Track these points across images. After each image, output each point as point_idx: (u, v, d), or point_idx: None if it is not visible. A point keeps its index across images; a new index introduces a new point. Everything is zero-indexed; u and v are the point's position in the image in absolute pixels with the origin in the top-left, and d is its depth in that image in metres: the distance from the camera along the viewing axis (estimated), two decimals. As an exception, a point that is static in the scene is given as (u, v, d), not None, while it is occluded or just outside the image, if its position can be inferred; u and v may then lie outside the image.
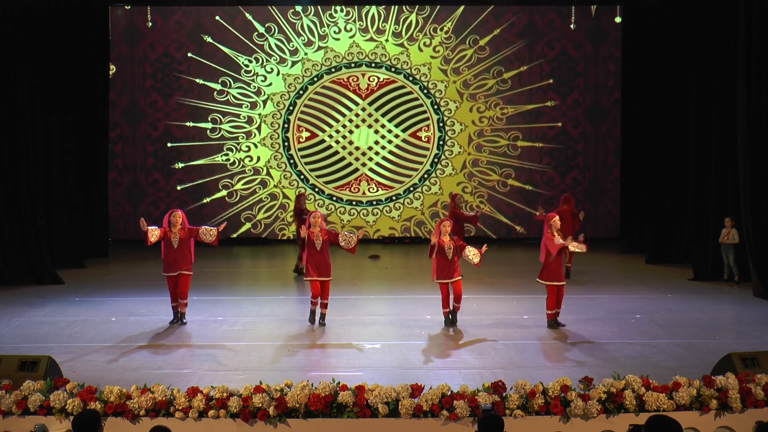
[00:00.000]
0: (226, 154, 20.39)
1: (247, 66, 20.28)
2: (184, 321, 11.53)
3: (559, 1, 19.95)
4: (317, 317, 11.38)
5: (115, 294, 13.91)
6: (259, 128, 20.41)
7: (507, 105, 20.45)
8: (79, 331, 11.15)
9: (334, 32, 20.29)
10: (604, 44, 20.42)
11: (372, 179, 20.65)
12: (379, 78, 20.48)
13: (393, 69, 20.45)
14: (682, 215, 16.78)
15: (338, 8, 20.06)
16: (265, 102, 20.39)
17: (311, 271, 11.29)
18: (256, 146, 20.43)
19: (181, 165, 20.38)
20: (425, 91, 20.53)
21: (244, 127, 20.40)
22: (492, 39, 20.31)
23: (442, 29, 20.30)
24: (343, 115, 20.57)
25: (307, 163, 20.58)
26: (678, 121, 16.93)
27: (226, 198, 20.45)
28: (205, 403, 6.71)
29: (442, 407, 6.63)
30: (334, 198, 20.56)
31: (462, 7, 20.13)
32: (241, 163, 20.41)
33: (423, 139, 20.65)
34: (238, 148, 20.41)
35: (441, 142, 20.62)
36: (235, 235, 20.43)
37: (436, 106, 20.57)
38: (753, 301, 13.11)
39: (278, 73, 20.33)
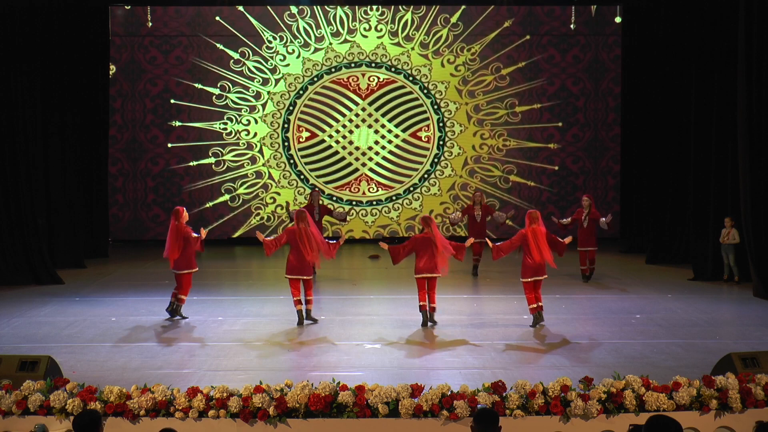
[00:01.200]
0: (225, 123, 20.28)
1: (270, 43, 20.18)
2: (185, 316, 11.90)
3: (559, 1, 19.95)
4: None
5: (115, 294, 13.91)
6: (264, 105, 20.29)
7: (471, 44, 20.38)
8: (79, 331, 11.15)
9: (364, 29, 20.22)
10: (605, 43, 20.42)
11: (372, 179, 20.65)
12: (379, 78, 20.48)
13: (393, 69, 20.45)
14: (682, 215, 16.78)
15: (371, 8, 20.05)
16: (277, 81, 20.30)
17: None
18: (256, 122, 20.39)
19: (177, 123, 20.39)
20: (425, 91, 20.53)
21: (251, 101, 20.31)
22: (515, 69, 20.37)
23: (469, 50, 20.30)
24: (343, 115, 20.57)
25: (307, 163, 20.58)
26: (678, 121, 16.94)
27: (228, 202, 20.45)
28: (205, 403, 6.70)
29: (442, 407, 6.63)
30: (334, 198, 20.56)
31: (493, 34, 20.10)
32: (238, 134, 20.34)
33: (423, 139, 20.65)
34: (239, 119, 20.35)
35: (441, 142, 20.62)
36: (236, 235, 20.45)
37: (436, 106, 20.57)
38: (753, 301, 13.11)
39: (299, 56, 20.24)
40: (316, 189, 17.35)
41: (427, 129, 20.64)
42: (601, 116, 20.61)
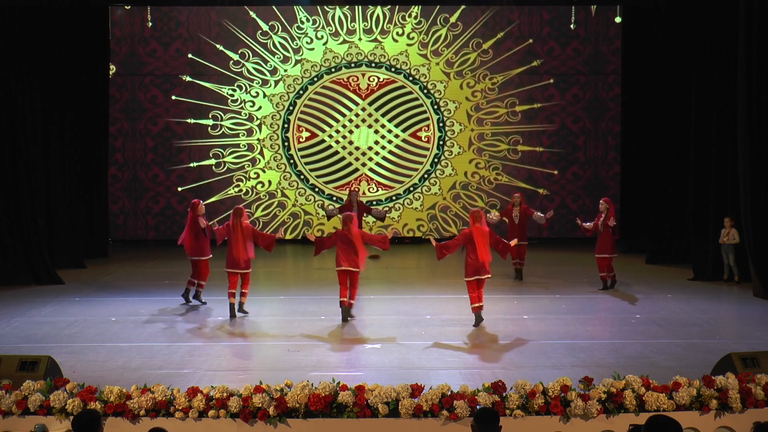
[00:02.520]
0: (237, 185, 20.42)
1: (232, 95, 20.27)
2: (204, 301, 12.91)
3: (559, 1, 19.95)
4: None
5: (115, 294, 13.91)
6: (261, 153, 20.38)
7: (495, 74, 20.39)
8: (79, 331, 11.15)
9: (306, 42, 20.18)
10: (605, 43, 20.43)
11: (372, 179, 20.65)
12: (379, 78, 20.48)
13: (393, 69, 20.46)
14: (682, 215, 16.78)
15: (304, 18, 19.99)
16: (260, 126, 20.36)
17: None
18: (264, 171, 20.41)
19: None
20: (425, 91, 20.53)
21: (248, 155, 20.40)
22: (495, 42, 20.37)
23: (410, 15, 20.23)
24: (343, 115, 20.57)
25: (307, 163, 20.58)
26: (678, 121, 16.94)
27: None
28: (205, 403, 6.70)
29: (442, 407, 6.63)
30: (334, 198, 20.55)
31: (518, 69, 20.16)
32: (254, 190, 20.41)
33: (423, 139, 20.65)
34: (247, 177, 20.42)
35: (441, 142, 20.62)
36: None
37: (436, 106, 20.57)
38: (753, 301, 13.11)
39: (264, 96, 20.30)
40: (354, 188, 17.13)
41: (427, 129, 20.64)
42: (602, 113, 20.60)
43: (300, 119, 20.53)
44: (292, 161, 20.54)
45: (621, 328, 11.21)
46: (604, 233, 13.87)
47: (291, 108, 20.49)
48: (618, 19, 19.92)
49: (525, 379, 6.90)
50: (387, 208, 19.32)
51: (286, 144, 20.53)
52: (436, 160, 20.65)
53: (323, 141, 20.59)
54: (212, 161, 20.41)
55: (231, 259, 12.03)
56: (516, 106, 20.49)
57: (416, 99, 20.55)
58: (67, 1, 16.98)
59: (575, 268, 15.78)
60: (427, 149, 20.66)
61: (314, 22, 20.21)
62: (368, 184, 20.63)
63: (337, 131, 20.60)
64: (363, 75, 20.47)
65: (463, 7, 20.12)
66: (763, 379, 7.00)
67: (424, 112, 20.59)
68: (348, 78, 20.47)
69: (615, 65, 20.37)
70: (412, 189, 20.69)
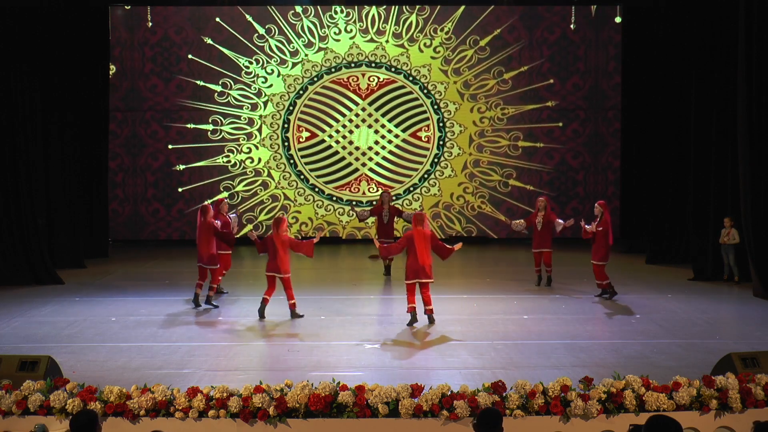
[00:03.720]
0: (227, 156, 20.40)
1: (247, 67, 20.28)
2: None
3: (559, 1, 19.95)
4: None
5: (115, 294, 13.91)
6: (259, 129, 20.40)
7: (507, 105, 20.46)
8: (79, 331, 11.15)
9: (334, 33, 20.29)
10: (604, 42, 20.43)
11: (372, 179, 20.65)
12: (379, 78, 20.48)
13: (393, 69, 20.46)
14: (682, 215, 16.78)
15: (338, 9, 20.05)
16: (265, 103, 20.39)
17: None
18: (256, 147, 20.44)
19: (181, 167, 20.39)
20: (425, 91, 20.53)
21: (245, 129, 20.41)
22: (492, 40, 20.34)
23: (442, 30, 20.30)
24: (343, 115, 20.57)
25: (307, 163, 20.58)
26: (678, 121, 16.94)
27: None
28: (205, 403, 6.70)
29: (442, 407, 6.63)
30: (334, 198, 20.56)
31: (462, 8, 20.15)
32: (242, 164, 20.42)
33: (423, 139, 20.65)
34: (239, 149, 20.42)
35: (441, 142, 20.62)
36: (237, 236, 20.42)
37: (436, 106, 20.57)
38: (753, 301, 13.11)
39: (278, 75, 20.34)
40: (387, 190, 16.89)
41: (427, 129, 20.64)
42: (602, 114, 20.59)
43: (300, 119, 20.53)
44: (292, 161, 20.53)
45: (621, 328, 11.21)
46: (598, 237, 13.08)
47: (291, 108, 20.49)
48: (618, 19, 19.91)
49: (525, 379, 6.90)
50: (420, 208, 19.20)
51: (286, 144, 20.53)
52: (436, 160, 20.65)
53: (323, 141, 20.59)
54: (209, 126, 20.37)
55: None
56: (519, 141, 20.52)
57: (416, 99, 20.55)
58: (67, 1, 16.98)
59: (576, 268, 15.78)
60: (427, 149, 20.66)
61: (348, 14, 20.19)
62: (368, 184, 20.63)
63: (337, 131, 20.59)
64: (363, 75, 20.47)
65: (497, 31, 20.10)
66: (763, 379, 7.00)
67: (424, 112, 20.59)
68: (348, 78, 20.47)
69: (614, 66, 20.39)
70: (412, 189, 20.68)
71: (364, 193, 20.54)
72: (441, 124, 20.61)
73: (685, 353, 9.81)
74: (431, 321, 11.49)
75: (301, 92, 20.45)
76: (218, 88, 20.32)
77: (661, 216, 17.50)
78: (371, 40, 20.31)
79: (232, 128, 20.41)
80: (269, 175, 20.50)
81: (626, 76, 19.92)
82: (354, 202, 17.30)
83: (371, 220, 17.51)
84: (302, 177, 20.56)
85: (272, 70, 20.34)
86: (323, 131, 20.58)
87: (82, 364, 9.33)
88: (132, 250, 19.65)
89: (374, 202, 18.38)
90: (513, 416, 6.63)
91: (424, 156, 20.67)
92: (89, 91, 18.15)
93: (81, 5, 17.56)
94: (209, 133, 20.41)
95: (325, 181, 20.62)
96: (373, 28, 20.31)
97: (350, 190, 20.62)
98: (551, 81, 20.35)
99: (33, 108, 15.63)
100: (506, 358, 9.70)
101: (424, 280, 11.43)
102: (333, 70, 20.43)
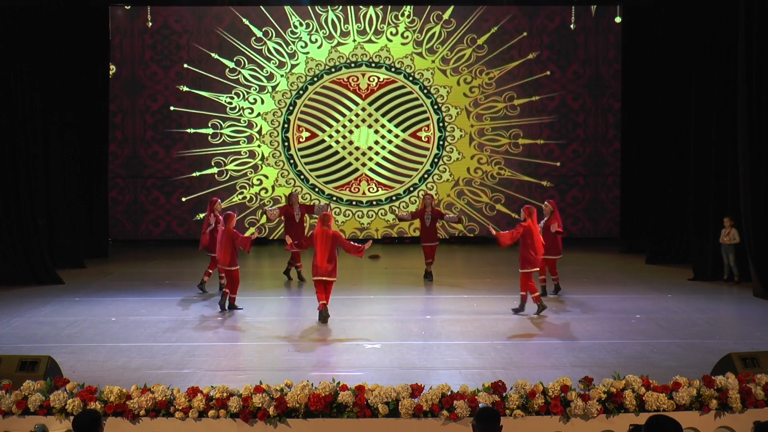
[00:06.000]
0: (242, 193, 20.42)
1: (230, 103, 20.27)
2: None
3: (559, 1, 19.94)
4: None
5: (115, 294, 13.91)
6: (263, 159, 20.41)
7: (492, 69, 20.40)
8: (79, 331, 11.15)
9: (391, 33, 20.25)
10: (605, 42, 20.43)
11: (372, 179, 20.65)
12: (379, 78, 20.48)
13: (393, 69, 20.45)
14: (682, 215, 16.77)
15: (333, 12, 20.04)
16: (260, 132, 20.38)
17: None
18: (266, 177, 20.44)
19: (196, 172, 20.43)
20: (425, 91, 20.53)
21: (249, 162, 20.42)
22: (490, 37, 20.36)
23: (488, 74, 20.35)
24: (343, 115, 20.57)
25: (307, 163, 20.58)
26: (678, 121, 16.94)
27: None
28: (205, 403, 6.70)
29: (442, 407, 6.63)
30: (334, 198, 20.56)
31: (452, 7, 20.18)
32: (258, 196, 20.43)
33: (423, 139, 20.65)
34: (250, 183, 20.42)
35: (441, 142, 20.62)
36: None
37: (436, 106, 20.57)
38: (753, 301, 13.11)
39: (262, 102, 20.30)
40: (429, 193, 16.55)
41: (427, 129, 20.64)
42: (602, 113, 20.60)
43: (300, 119, 20.53)
44: (292, 161, 20.53)
45: (621, 328, 11.21)
46: (546, 234, 12.86)
47: (291, 108, 20.49)
48: (618, 19, 19.91)
49: (525, 379, 6.90)
50: (457, 213, 19.00)
51: (286, 144, 20.53)
52: (436, 160, 20.65)
53: (323, 141, 20.59)
54: (214, 170, 20.39)
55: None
56: (515, 100, 20.48)
57: (416, 99, 20.55)
58: (67, 1, 16.98)
59: (575, 268, 15.78)
60: (427, 149, 20.66)
61: (307, 25, 20.19)
62: (368, 184, 20.63)
63: (337, 131, 20.59)
64: (363, 75, 20.47)
65: (452, 7, 20.13)
66: (763, 379, 7.00)
67: (424, 112, 20.59)
68: (348, 78, 20.47)
69: (615, 69, 20.40)
70: (412, 189, 20.68)
71: (364, 193, 20.54)
72: (441, 124, 20.60)
73: (685, 353, 9.81)
74: (325, 316, 11.51)
75: (301, 92, 20.45)
76: (210, 131, 20.26)
77: (661, 216, 17.50)
78: (370, 41, 20.30)
79: (236, 165, 20.39)
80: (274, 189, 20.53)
81: (626, 76, 19.92)
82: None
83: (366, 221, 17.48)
84: (302, 177, 20.55)
85: (254, 99, 20.26)
86: (323, 131, 20.58)
87: (82, 364, 9.33)
88: (132, 250, 19.64)
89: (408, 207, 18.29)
90: (513, 416, 6.63)
91: (425, 156, 20.66)
92: (89, 91, 18.15)
93: (81, 5, 17.56)
94: (216, 175, 20.38)
95: (325, 181, 20.61)
96: (336, 31, 20.26)
97: (350, 190, 20.61)
98: (525, 34, 20.27)
99: (33, 108, 15.63)
100: (506, 358, 9.70)
101: (324, 278, 11.49)
102: (333, 69, 20.42)
